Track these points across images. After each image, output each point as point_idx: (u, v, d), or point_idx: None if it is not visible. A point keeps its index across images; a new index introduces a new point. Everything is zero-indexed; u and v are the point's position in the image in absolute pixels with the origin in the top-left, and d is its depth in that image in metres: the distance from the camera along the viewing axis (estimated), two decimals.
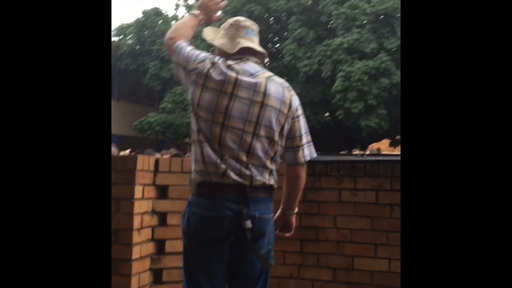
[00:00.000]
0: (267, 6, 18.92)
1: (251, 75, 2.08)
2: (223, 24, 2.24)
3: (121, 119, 21.36)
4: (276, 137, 2.07)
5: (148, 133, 19.58)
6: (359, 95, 15.90)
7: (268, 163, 2.06)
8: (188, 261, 2.06)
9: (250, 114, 2.03)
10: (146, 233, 2.91)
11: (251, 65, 2.12)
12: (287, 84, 2.17)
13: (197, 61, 2.08)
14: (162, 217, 3.02)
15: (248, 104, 2.04)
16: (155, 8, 22.76)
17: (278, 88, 2.11)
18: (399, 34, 16.41)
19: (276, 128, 2.07)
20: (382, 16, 17.10)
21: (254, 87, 2.05)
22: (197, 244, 2.01)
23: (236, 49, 2.14)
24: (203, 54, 2.11)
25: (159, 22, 22.62)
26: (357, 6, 17.03)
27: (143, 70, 22.28)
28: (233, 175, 2.00)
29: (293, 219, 2.26)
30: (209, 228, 1.99)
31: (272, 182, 2.08)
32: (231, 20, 2.23)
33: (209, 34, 2.24)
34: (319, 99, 18.08)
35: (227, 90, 2.03)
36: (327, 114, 18.88)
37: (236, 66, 2.08)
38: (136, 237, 2.79)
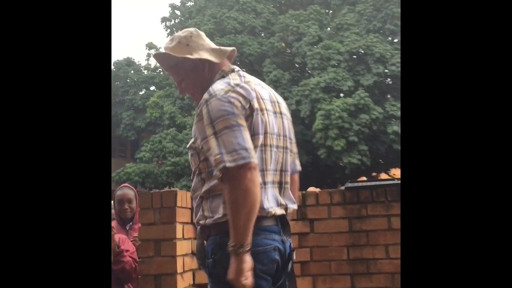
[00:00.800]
0: (241, 50, 19.07)
1: (257, 84, 1.84)
2: (179, 39, 1.89)
3: None
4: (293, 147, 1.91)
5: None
6: (340, 133, 15.91)
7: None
8: None
9: (277, 127, 1.82)
10: (188, 278, 2.61)
11: (246, 73, 1.89)
12: None
13: (241, 112, 1.71)
14: None
15: (274, 116, 1.82)
16: (128, 58, 22.67)
17: (275, 92, 1.93)
18: (374, 70, 16.68)
19: (292, 137, 1.91)
20: (355, 56, 17.42)
21: (268, 97, 1.83)
22: None
23: (226, 56, 1.89)
24: (236, 107, 1.71)
25: (131, 72, 22.49)
26: (331, 46, 17.32)
27: (116, 121, 21.92)
28: (274, 211, 1.76)
29: None
30: (261, 266, 1.69)
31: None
32: (189, 32, 1.91)
33: (178, 52, 1.88)
34: (297, 140, 18.03)
35: (261, 106, 1.77)
36: None
37: (247, 78, 1.83)
38: (180, 283, 2.48)
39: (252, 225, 1.61)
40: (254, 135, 1.72)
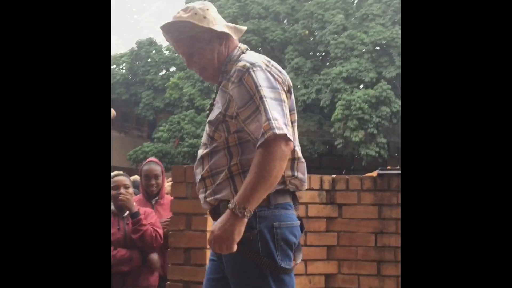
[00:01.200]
0: (264, 36, 18.98)
1: None
2: (195, 11, 1.75)
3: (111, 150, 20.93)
4: None
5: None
6: (360, 124, 15.82)
7: None
8: None
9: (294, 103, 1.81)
10: None
11: None
12: None
13: (282, 88, 1.71)
14: None
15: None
16: (150, 38, 22.69)
17: None
18: (397, 63, 16.50)
19: None
20: (379, 47, 17.24)
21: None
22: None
23: (242, 34, 1.85)
24: (278, 82, 1.70)
25: (153, 52, 22.52)
26: (355, 36, 17.15)
27: (135, 100, 22.03)
28: (301, 186, 1.79)
29: None
30: (295, 239, 1.72)
31: None
32: (204, 5, 1.79)
33: (199, 20, 1.74)
34: (315, 129, 17.99)
35: (289, 84, 1.78)
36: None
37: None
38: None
39: (263, 198, 1.59)
40: (290, 111, 1.73)
